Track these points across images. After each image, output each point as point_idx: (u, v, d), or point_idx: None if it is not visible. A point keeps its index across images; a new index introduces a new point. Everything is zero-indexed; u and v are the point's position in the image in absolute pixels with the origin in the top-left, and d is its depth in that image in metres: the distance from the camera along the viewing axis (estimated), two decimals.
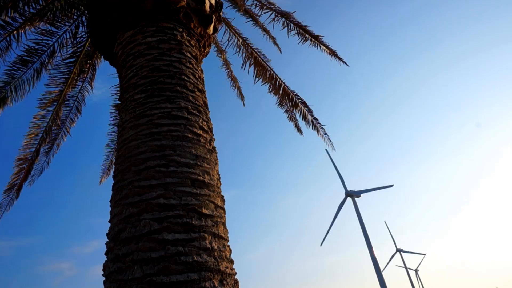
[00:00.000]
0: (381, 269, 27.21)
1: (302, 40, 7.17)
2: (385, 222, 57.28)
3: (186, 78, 4.03)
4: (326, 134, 7.64)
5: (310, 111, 7.51)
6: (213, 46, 7.31)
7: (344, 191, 31.39)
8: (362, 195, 31.47)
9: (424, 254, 54.88)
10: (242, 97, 8.67)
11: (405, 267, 51.03)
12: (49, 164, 7.46)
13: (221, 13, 5.31)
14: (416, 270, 57.77)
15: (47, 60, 6.44)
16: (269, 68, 7.46)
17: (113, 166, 8.59)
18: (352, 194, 30.94)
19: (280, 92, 7.54)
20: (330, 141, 7.68)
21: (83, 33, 6.52)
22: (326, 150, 32.30)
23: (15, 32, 5.85)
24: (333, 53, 7.22)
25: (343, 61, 7.27)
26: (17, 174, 6.95)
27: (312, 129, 7.63)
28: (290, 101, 7.56)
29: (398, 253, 51.23)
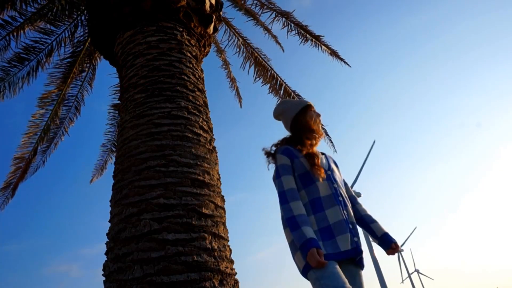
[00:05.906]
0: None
1: (303, 40, 7.12)
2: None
3: (186, 77, 4.02)
4: (327, 135, 7.62)
5: None
6: (213, 46, 7.29)
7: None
8: (362, 194, 31.57)
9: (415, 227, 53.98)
10: (240, 98, 8.63)
11: (406, 268, 51.00)
12: (45, 163, 7.40)
13: (221, 13, 5.30)
14: (416, 270, 57.75)
15: (44, 59, 6.43)
16: (270, 68, 7.43)
17: (107, 166, 8.57)
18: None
19: (281, 92, 7.52)
20: (332, 142, 7.68)
21: (82, 32, 6.52)
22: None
23: (14, 32, 5.84)
24: (334, 53, 7.15)
25: (344, 62, 7.18)
26: (14, 173, 6.92)
27: None
28: None
29: (399, 254, 51.21)
